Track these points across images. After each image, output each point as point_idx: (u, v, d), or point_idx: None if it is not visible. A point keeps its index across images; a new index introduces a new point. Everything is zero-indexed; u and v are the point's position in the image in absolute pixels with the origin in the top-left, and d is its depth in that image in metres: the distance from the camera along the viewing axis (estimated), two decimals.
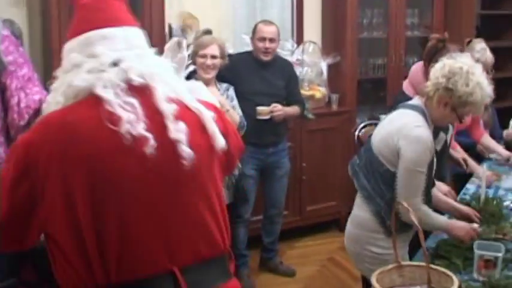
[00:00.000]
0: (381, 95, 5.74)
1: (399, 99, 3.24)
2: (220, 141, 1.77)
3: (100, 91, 1.61)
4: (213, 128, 1.76)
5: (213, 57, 3.88)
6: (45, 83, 3.73)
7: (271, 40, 4.29)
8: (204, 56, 3.88)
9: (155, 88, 1.67)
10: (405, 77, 5.50)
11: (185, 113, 1.70)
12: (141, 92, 1.65)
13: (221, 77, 4.06)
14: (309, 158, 5.12)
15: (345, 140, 5.26)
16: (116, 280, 1.60)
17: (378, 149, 2.78)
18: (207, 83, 3.87)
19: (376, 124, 5.36)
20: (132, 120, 1.58)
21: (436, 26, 5.72)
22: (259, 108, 4.19)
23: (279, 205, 4.59)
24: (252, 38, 4.39)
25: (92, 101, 1.61)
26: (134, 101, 1.62)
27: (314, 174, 5.17)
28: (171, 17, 4.69)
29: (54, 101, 1.68)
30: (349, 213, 3.04)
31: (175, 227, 1.67)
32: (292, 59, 4.98)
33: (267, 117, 4.20)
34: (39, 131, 1.63)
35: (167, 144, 1.63)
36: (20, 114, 3.08)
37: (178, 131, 1.65)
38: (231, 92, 4.09)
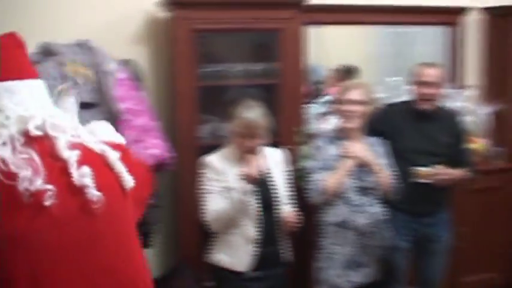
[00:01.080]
0: None
1: None
2: (128, 181, 1.80)
3: None
4: (120, 168, 1.79)
5: (357, 103, 3.30)
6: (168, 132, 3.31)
7: (433, 85, 3.56)
8: (346, 102, 3.32)
9: (56, 137, 1.70)
10: None
11: (89, 157, 1.74)
12: (41, 143, 1.68)
13: (372, 130, 3.45)
14: (466, 222, 4.37)
15: (510, 201, 4.58)
16: None
17: None
18: (350, 134, 3.31)
19: None
20: (28, 176, 1.59)
21: None
22: (421, 170, 3.46)
23: (433, 285, 3.85)
24: (410, 83, 3.69)
25: None
26: (33, 153, 1.64)
27: (471, 240, 4.44)
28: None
29: None
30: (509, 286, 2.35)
31: (93, 277, 1.67)
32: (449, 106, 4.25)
33: (428, 181, 3.47)
34: None
35: (74, 192, 1.66)
36: None
37: (82, 176, 1.67)
38: (379, 148, 3.45)
